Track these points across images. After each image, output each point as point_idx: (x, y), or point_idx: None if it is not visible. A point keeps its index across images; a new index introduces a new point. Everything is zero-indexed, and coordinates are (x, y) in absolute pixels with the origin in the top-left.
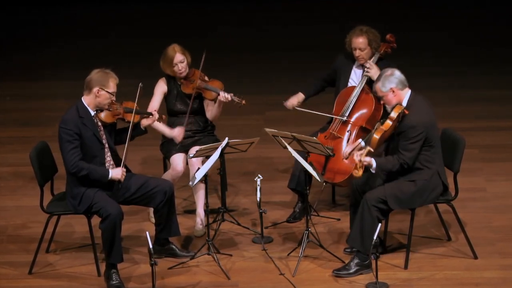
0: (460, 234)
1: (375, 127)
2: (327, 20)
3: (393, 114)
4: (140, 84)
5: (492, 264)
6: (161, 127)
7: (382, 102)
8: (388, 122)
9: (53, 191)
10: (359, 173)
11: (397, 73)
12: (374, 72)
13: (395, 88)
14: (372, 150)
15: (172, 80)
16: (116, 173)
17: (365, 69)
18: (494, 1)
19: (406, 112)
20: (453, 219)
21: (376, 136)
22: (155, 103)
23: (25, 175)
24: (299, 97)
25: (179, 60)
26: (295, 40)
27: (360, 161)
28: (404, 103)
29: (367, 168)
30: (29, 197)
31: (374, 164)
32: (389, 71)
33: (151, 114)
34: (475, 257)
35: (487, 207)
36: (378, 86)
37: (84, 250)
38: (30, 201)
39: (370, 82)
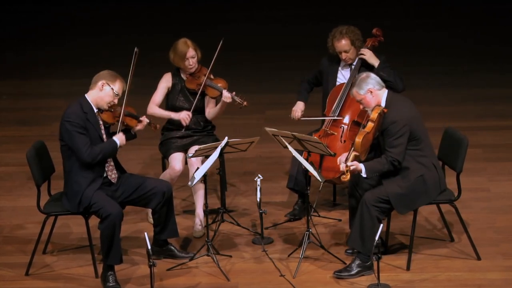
0: (463, 234)
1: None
2: (328, 19)
3: (373, 115)
4: (136, 49)
5: (495, 265)
6: (165, 113)
7: (362, 106)
8: (370, 124)
9: (50, 191)
10: (346, 177)
11: (372, 75)
12: (369, 55)
13: (373, 89)
14: (357, 153)
15: (177, 75)
16: (121, 139)
17: (360, 53)
18: None
19: (385, 110)
20: (456, 219)
21: (358, 139)
22: (158, 96)
23: (22, 175)
24: (301, 106)
25: (191, 55)
26: (296, 39)
27: (347, 166)
28: (383, 103)
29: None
30: (26, 197)
31: (362, 168)
32: (364, 74)
33: (139, 119)
34: (478, 258)
35: (491, 207)
36: (356, 90)
37: (82, 251)
38: (27, 202)
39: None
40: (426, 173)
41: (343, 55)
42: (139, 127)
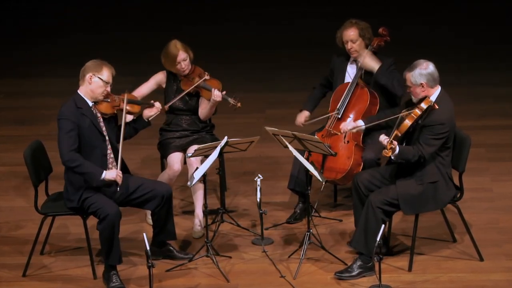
0: (465, 235)
1: (402, 114)
2: (327, 17)
3: (423, 105)
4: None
5: (498, 266)
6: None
7: (408, 90)
8: (417, 111)
9: (48, 191)
10: (389, 153)
11: (431, 68)
12: (367, 59)
13: (425, 84)
14: (399, 134)
15: (173, 75)
16: (110, 174)
17: (359, 59)
18: None
19: (436, 106)
20: (458, 220)
21: (408, 121)
22: (144, 89)
23: (19, 175)
24: (305, 114)
25: (182, 58)
26: (296, 37)
27: (391, 142)
28: (433, 99)
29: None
30: (23, 198)
31: (397, 149)
32: (424, 64)
33: (152, 104)
34: (481, 259)
35: (494, 207)
36: (409, 76)
37: (80, 252)
38: (24, 202)
39: (365, 77)
40: (440, 181)
41: (349, 45)
42: (152, 112)
